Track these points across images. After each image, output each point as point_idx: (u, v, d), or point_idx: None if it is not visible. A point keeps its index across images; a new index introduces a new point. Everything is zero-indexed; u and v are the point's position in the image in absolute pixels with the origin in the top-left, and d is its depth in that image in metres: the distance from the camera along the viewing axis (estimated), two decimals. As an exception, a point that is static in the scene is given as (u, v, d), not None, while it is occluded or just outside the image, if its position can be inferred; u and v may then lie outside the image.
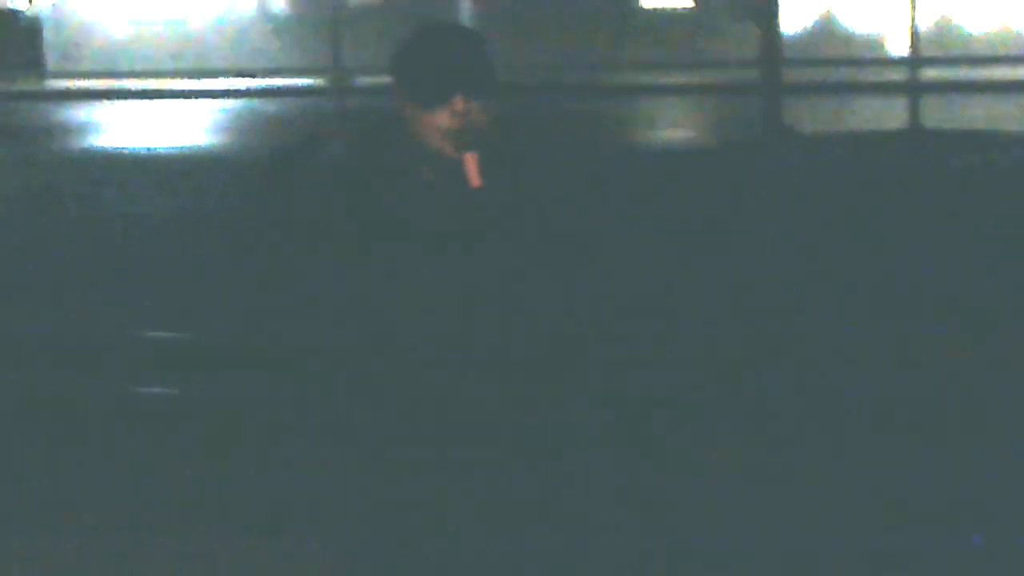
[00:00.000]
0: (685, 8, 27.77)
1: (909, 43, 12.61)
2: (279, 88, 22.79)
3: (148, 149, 16.90)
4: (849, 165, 13.43)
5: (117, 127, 20.57)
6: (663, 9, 27.86)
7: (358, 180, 3.52)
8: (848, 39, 26.68)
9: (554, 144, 3.83)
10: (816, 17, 27.04)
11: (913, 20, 12.64)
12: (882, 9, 26.76)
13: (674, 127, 19.51)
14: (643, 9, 27.98)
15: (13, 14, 29.34)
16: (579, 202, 3.56)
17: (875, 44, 26.57)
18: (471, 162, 3.46)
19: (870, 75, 22.29)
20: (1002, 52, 24.96)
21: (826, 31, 26.93)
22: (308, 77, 22.70)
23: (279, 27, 27.72)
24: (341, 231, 3.49)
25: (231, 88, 23.70)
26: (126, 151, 16.86)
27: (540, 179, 3.57)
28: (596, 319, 3.49)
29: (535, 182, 3.56)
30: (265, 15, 27.99)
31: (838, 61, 23.50)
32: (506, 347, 3.44)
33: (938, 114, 17.09)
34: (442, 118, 3.46)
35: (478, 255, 3.45)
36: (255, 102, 22.85)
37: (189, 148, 17.29)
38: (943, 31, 26.52)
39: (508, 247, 3.46)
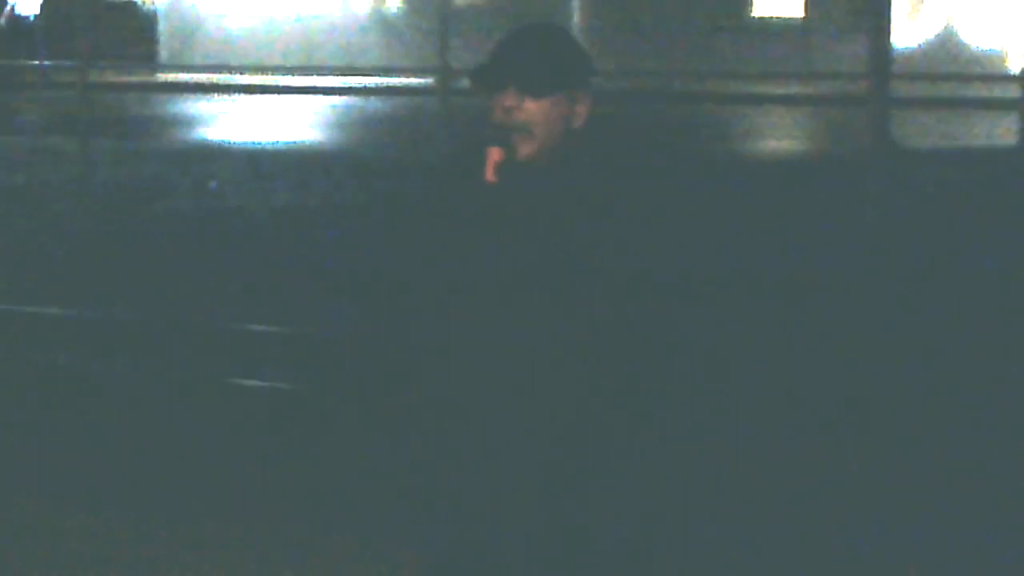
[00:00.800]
0: (795, 18, 27.61)
1: (1022, 59, 12.50)
2: (387, 87, 22.90)
3: (258, 143, 17.06)
4: (958, 182, 13.31)
5: (228, 121, 20.77)
6: (773, 18, 27.72)
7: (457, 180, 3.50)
8: (960, 54, 26.41)
9: (658, 151, 3.80)
10: (928, 31, 26.79)
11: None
12: (996, 24, 26.47)
13: (782, 138, 19.41)
14: (753, 18, 27.85)
15: (130, 6, 29.74)
16: (673, 212, 3.52)
17: (988, 60, 26.29)
18: (491, 156, 3.40)
19: (982, 91, 22.05)
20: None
21: (938, 45, 26.67)
22: (416, 76, 22.80)
23: (389, 26, 27.88)
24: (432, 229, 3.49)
25: (340, 85, 23.87)
26: (236, 145, 17.03)
27: (630, 185, 3.51)
28: (681, 327, 3.45)
29: (623, 188, 3.50)
30: (376, 14, 28.16)
31: (949, 76, 23.26)
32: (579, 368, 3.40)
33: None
34: (496, 110, 3.41)
35: (532, 256, 3.39)
36: (364, 100, 23.00)
37: (298, 143, 17.44)
38: (1057, 48, 26.19)
39: (573, 252, 3.39)
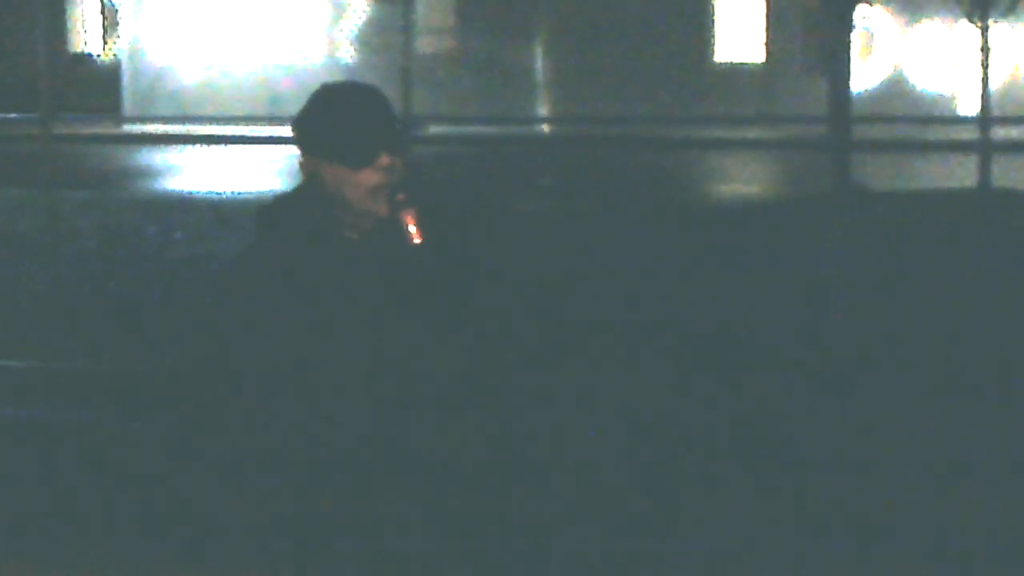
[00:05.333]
0: (756, 63, 27.79)
1: (980, 101, 12.68)
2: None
3: (221, 193, 17.08)
4: (918, 223, 13.41)
5: (191, 171, 20.79)
6: (734, 64, 27.89)
7: (269, 249, 3.52)
8: (919, 97, 26.62)
9: (619, 196, 3.82)
10: (887, 74, 27.00)
11: (985, 78, 12.68)
12: (953, 67, 26.70)
13: (744, 182, 19.52)
14: (715, 63, 28.03)
15: (89, 58, 29.76)
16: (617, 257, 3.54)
17: (946, 102, 26.51)
18: (409, 219, 3.44)
19: (940, 133, 22.23)
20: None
21: (897, 88, 26.88)
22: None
23: (350, 75, 27.97)
24: (263, 296, 3.50)
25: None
26: (200, 195, 17.05)
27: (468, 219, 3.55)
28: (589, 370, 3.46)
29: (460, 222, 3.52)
30: (335, 63, 28.26)
31: (908, 119, 23.46)
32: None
33: (1009, 174, 17.03)
34: (369, 177, 3.44)
35: (417, 317, 3.40)
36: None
37: (260, 193, 17.46)
38: (1015, 89, 26.41)
39: (458, 307, 3.40)
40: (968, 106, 26.21)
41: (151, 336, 9.46)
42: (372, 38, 27.93)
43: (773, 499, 6.39)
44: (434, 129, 22.15)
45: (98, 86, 28.98)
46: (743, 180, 19.76)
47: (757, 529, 6.10)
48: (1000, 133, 19.16)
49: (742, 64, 27.90)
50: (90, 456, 7.30)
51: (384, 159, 3.42)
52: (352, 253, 3.45)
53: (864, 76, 25.76)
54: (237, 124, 25.10)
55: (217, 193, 17.10)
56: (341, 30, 28.32)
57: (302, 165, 3.55)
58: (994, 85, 17.59)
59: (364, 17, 28.12)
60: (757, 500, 6.37)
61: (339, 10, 28.51)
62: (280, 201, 3.60)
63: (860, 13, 12.57)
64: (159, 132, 25.19)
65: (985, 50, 12.74)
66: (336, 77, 27.35)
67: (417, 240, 3.41)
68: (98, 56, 29.73)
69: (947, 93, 26.88)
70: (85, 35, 30.05)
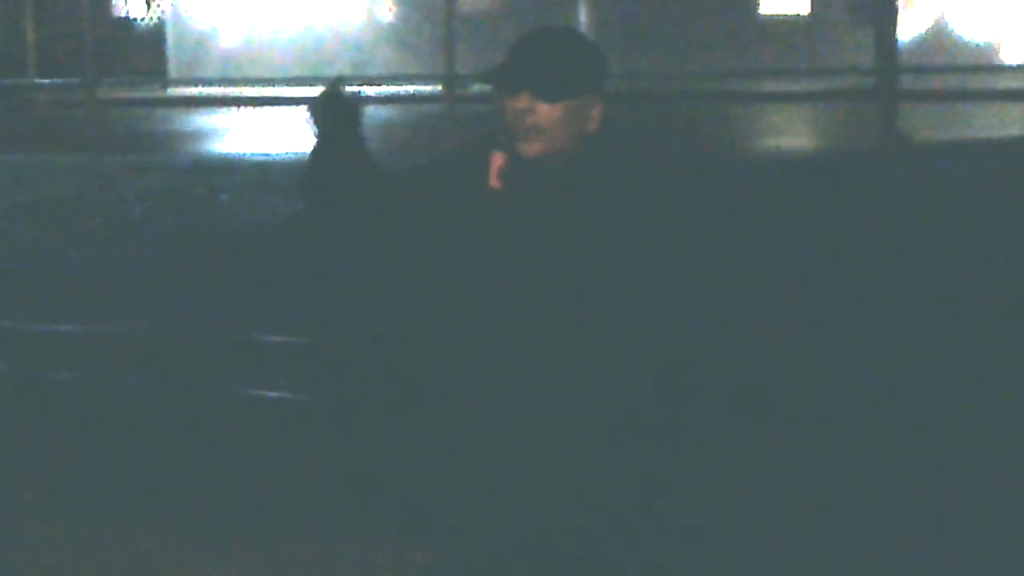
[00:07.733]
0: (801, 15, 27.59)
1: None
2: (394, 95, 22.94)
3: (267, 155, 17.10)
4: (966, 174, 13.30)
5: (236, 133, 20.82)
6: (780, 15, 27.70)
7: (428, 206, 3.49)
8: (965, 46, 26.39)
9: (662, 152, 3.76)
10: (932, 23, 26.77)
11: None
12: (1000, 15, 26.43)
13: (789, 135, 19.41)
14: (760, 16, 27.84)
15: (132, 22, 29.82)
16: (679, 213, 3.49)
17: (992, 51, 26.26)
18: (495, 161, 3.41)
19: (987, 82, 22.02)
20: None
21: (943, 38, 26.65)
22: (422, 84, 22.82)
23: (393, 34, 27.92)
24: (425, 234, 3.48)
25: (347, 95, 23.87)
26: (245, 157, 17.07)
27: (634, 188, 3.49)
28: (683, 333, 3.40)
29: (628, 190, 3.47)
30: (378, 23, 28.21)
31: (955, 68, 23.23)
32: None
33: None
34: (509, 107, 3.41)
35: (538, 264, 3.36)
36: (370, 108, 23.01)
37: (304, 154, 17.46)
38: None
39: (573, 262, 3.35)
40: (1015, 54, 25.94)
41: (198, 299, 9.48)
42: (414, -3, 27.85)
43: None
44: (477, 87, 22.03)
45: (142, 50, 29.02)
46: (789, 133, 19.64)
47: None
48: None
49: (787, 16, 27.69)
50: (136, 418, 7.33)
51: (523, 99, 3.36)
52: (508, 197, 3.40)
53: (909, 26, 25.53)
54: (281, 85, 25.08)
55: (262, 155, 17.10)
56: (383, -11, 28.26)
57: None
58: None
59: (406, -24, 28.06)
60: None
61: (381, -31, 28.44)
62: (445, 158, 3.57)
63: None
64: (203, 95, 25.21)
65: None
66: (378, 38, 27.52)
67: (493, 183, 3.37)
68: (141, 20, 29.76)
69: (993, 42, 26.61)
70: (128, -1, 30.09)
